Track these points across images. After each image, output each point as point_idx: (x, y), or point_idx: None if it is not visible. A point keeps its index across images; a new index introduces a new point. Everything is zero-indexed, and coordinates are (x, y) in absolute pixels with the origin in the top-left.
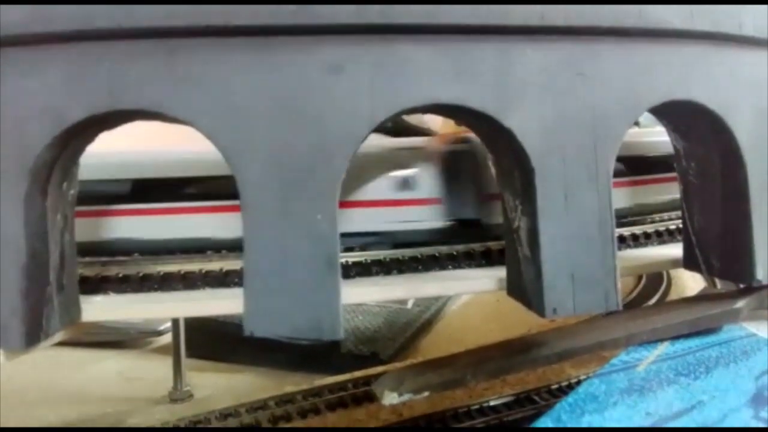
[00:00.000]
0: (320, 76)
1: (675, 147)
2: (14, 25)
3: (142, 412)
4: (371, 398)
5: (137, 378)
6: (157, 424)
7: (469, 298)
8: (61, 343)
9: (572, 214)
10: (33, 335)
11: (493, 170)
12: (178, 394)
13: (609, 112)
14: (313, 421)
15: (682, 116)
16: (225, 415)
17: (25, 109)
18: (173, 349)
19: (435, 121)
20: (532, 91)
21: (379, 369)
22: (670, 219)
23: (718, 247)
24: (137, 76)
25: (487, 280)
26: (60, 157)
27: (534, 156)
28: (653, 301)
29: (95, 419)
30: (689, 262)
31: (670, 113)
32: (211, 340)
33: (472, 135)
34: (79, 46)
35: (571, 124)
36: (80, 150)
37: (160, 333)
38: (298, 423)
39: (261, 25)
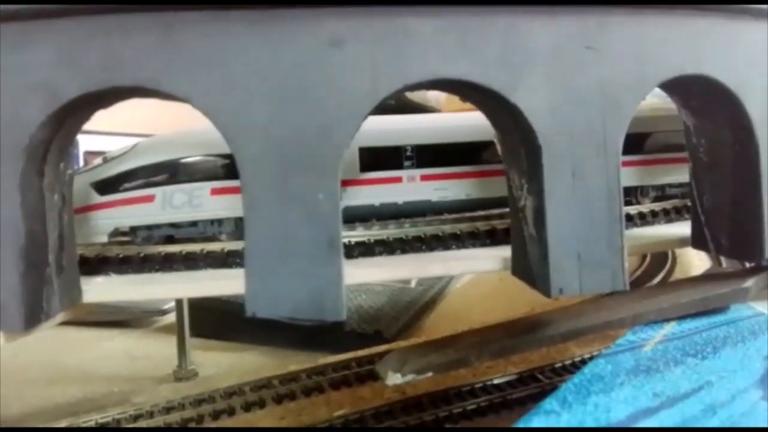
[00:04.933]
0: (320, 51)
1: (685, 124)
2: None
3: (147, 390)
4: (375, 377)
5: (142, 357)
6: (162, 403)
7: (472, 276)
8: (66, 323)
9: (579, 193)
10: (33, 317)
11: (498, 148)
12: (182, 373)
13: (619, 88)
14: (317, 400)
15: (694, 92)
16: (229, 393)
17: (18, 87)
18: (177, 329)
19: (438, 98)
20: (540, 66)
21: (383, 348)
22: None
23: (727, 226)
24: (133, 52)
25: (491, 259)
26: (56, 136)
27: (541, 133)
28: (658, 279)
29: (100, 398)
30: (697, 240)
31: (681, 89)
32: (214, 320)
33: None
34: (73, 21)
35: (580, 100)
36: (77, 128)
37: (164, 312)
38: (302, 401)
39: None
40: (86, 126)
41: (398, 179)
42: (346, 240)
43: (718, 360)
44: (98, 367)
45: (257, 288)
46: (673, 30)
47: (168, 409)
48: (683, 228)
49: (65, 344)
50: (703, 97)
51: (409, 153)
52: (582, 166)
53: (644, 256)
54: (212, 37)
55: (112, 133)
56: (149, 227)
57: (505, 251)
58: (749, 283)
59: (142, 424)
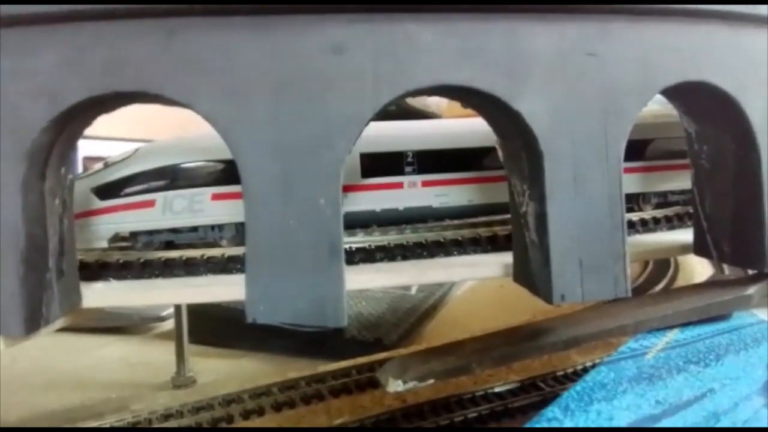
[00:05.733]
0: (322, 57)
1: (687, 130)
2: (10, 5)
3: (146, 397)
4: (375, 384)
5: (140, 363)
6: (161, 410)
7: (473, 283)
8: (65, 329)
9: (581, 199)
10: (33, 322)
11: (499, 153)
12: (181, 380)
13: (621, 94)
14: (317, 407)
15: (695, 98)
16: (228, 401)
17: (21, 92)
18: (176, 335)
19: (439, 104)
20: (542, 71)
21: (383, 355)
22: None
23: (729, 233)
24: (135, 57)
25: (492, 266)
26: (58, 141)
27: (543, 139)
28: (660, 286)
29: (98, 404)
30: (699, 247)
31: (683, 95)
32: (214, 326)
33: None
34: (76, 27)
35: (582, 106)
36: (78, 133)
37: (162, 319)
38: (302, 409)
39: (261, 3)
40: (85, 131)
41: (399, 185)
42: (347, 246)
43: (721, 367)
44: (96, 373)
45: (258, 294)
46: (675, 36)
47: (166, 416)
48: (685, 235)
49: (63, 350)
50: (704, 103)
51: (410, 159)
52: (584, 172)
53: (646, 263)
54: (214, 43)
55: (111, 138)
56: (149, 232)
57: (507, 257)
58: (752, 290)
59: None
